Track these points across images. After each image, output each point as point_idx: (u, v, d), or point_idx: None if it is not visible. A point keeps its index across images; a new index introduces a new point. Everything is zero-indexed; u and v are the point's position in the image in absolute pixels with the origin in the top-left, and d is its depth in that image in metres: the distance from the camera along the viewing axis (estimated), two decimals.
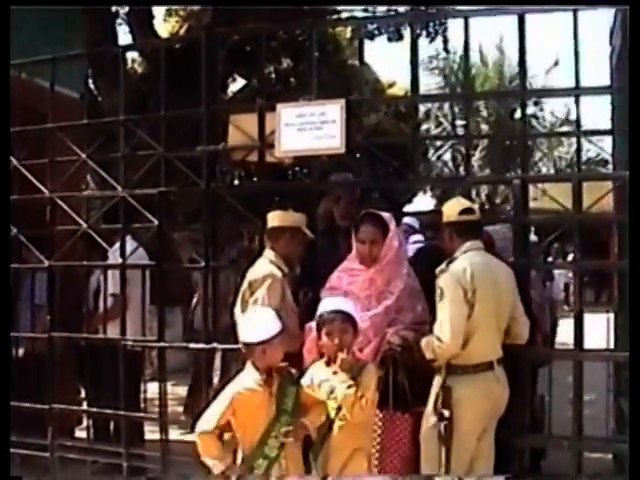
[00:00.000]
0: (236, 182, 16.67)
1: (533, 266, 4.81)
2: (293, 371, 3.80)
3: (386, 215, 4.30)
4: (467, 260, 4.04)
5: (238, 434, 3.68)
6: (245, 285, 4.40)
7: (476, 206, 4.32)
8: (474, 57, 26.44)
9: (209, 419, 3.67)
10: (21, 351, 5.51)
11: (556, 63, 25.41)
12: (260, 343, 3.64)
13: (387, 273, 4.22)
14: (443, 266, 4.09)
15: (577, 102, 4.39)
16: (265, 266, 4.42)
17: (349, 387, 3.63)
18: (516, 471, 4.22)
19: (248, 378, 3.72)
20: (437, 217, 4.42)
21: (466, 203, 4.23)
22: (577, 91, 4.37)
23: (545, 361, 5.16)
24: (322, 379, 3.77)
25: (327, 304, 3.88)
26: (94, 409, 5.61)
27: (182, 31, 12.77)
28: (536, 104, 24.37)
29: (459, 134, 23.07)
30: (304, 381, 3.81)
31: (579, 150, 4.87)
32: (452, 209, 4.21)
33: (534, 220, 4.93)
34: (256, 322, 3.77)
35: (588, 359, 4.18)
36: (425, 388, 4.03)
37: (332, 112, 4.53)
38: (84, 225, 5.32)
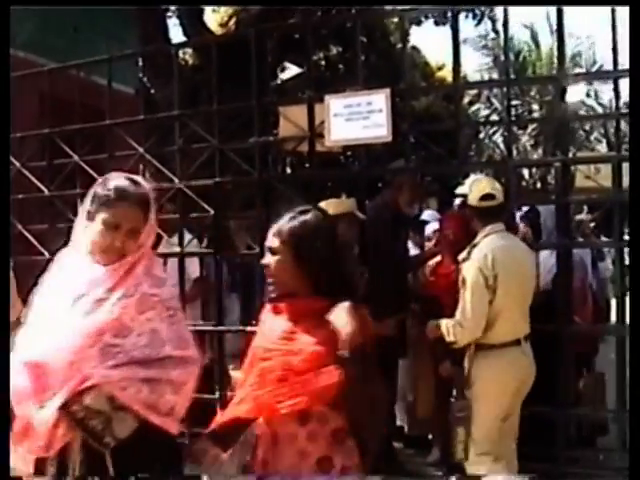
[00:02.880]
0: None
1: (574, 247, 4.90)
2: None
3: (147, 187, 2.73)
4: (488, 245, 4.14)
5: None
6: None
7: (499, 189, 4.28)
8: (525, 36, 26.12)
9: None
10: None
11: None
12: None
13: (112, 273, 2.59)
14: (465, 254, 4.20)
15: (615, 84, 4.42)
16: None
17: None
18: (561, 445, 4.36)
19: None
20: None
21: (487, 188, 4.26)
22: (615, 74, 4.43)
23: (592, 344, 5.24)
24: None
25: None
26: None
27: (231, 22, 12.95)
28: (590, 84, 23.86)
29: (501, 117, 22.61)
30: None
31: (618, 131, 4.85)
32: (474, 194, 4.28)
33: (575, 200, 5.00)
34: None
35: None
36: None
37: (378, 101, 4.61)
38: None
